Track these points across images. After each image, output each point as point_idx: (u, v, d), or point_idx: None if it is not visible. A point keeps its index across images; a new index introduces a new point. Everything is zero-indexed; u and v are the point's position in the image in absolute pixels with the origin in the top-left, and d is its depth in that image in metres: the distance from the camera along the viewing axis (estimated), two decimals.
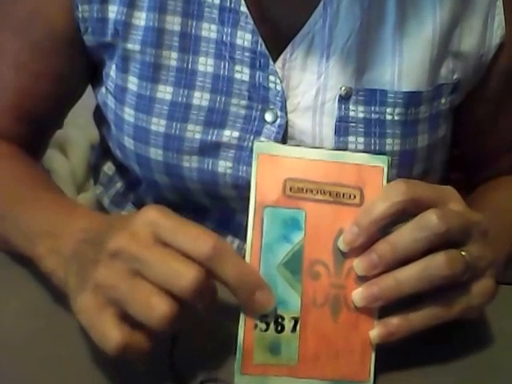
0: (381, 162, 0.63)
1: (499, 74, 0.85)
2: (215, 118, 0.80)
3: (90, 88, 0.91)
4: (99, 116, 0.91)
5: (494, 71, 0.85)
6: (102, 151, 0.98)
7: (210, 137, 0.80)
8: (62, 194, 0.79)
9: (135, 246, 0.56)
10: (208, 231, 0.58)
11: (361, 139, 0.80)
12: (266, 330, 0.60)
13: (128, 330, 0.56)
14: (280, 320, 0.60)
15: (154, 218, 0.58)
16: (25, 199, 0.75)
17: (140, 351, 0.56)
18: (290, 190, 0.62)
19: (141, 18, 0.78)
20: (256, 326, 0.60)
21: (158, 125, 0.80)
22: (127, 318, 0.56)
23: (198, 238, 0.57)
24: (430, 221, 0.60)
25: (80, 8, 0.79)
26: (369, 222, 0.60)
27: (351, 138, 0.80)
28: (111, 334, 0.55)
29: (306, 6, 0.78)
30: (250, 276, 0.59)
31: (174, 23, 0.78)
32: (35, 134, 0.89)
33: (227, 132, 0.80)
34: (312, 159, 0.63)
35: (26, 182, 0.79)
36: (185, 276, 0.55)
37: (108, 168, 0.97)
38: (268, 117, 0.79)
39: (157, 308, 0.55)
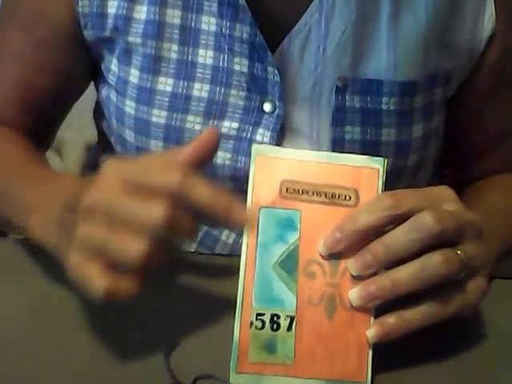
0: (377, 164, 0.61)
1: (489, 67, 0.82)
2: (215, 109, 0.77)
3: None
4: (99, 112, 0.89)
5: (484, 63, 0.82)
6: (101, 149, 0.96)
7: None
8: (50, 168, 0.80)
9: (105, 197, 0.56)
10: (173, 162, 0.57)
11: (357, 129, 0.78)
12: (262, 328, 0.58)
13: (113, 276, 0.56)
14: (276, 318, 0.58)
15: (118, 167, 0.58)
16: (19, 177, 0.76)
17: (127, 295, 0.56)
18: (287, 191, 0.60)
19: (141, 12, 0.76)
20: (251, 323, 0.58)
21: (158, 116, 0.78)
22: (113, 267, 0.56)
23: (165, 172, 0.56)
24: (424, 222, 0.57)
25: (80, 3, 0.77)
26: (351, 230, 0.58)
27: (348, 128, 0.78)
28: (98, 282, 0.55)
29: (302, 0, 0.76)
30: (222, 194, 0.56)
31: (174, 16, 0.76)
32: (40, 124, 0.87)
33: (226, 123, 0.78)
34: (308, 161, 0.60)
35: (21, 161, 0.79)
36: (153, 212, 0.54)
37: None
38: (266, 107, 0.77)
39: (132, 246, 0.54)
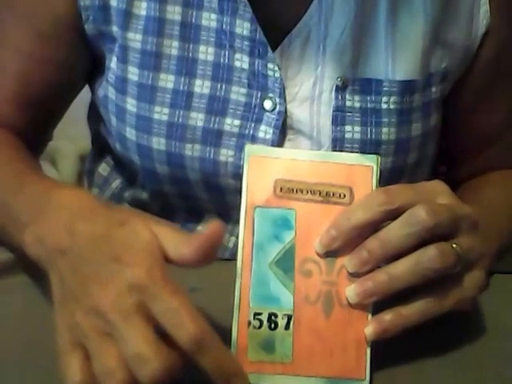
0: (370, 162, 0.60)
1: (484, 64, 0.82)
2: (216, 106, 0.77)
3: (78, 98, 0.88)
4: (95, 114, 0.87)
5: (480, 60, 0.82)
6: (96, 155, 0.94)
7: (212, 125, 0.77)
8: (43, 176, 0.73)
9: (115, 312, 0.50)
10: (196, 314, 0.50)
11: (357, 128, 0.77)
12: (260, 327, 0.57)
13: (89, 375, 0.51)
14: (273, 317, 0.57)
15: (142, 281, 0.51)
16: (13, 186, 0.70)
17: None
18: (281, 190, 0.59)
19: (141, 8, 0.76)
20: (249, 323, 0.57)
21: (160, 113, 0.77)
22: (90, 362, 0.52)
23: (184, 322, 0.50)
24: (418, 216, 0.57)
25: None
26: (346, 228, 0.58)
27: (348, 128, 0.77)
28: (73, 374, 0.52)
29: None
30: (229, 368, 0.52)
31: (174, 13, 0.75)
32: (36, 123, 0.85)
33: (228, 120, 0.77)
34: (302, 160, 0.60)
35: (13, 168, 0.74)
36: (149, 364, 0.49)
37: (103, 169, 0.93)
38: (267, 104, 0.77)
39: (111, 377, 0.50)
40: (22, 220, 0.62)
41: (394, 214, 0.58)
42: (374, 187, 0.59)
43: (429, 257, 0.57)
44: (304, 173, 0.59)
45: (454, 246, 0.58)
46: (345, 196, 0.59)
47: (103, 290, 0.51)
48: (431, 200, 0.59)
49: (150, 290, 0.50)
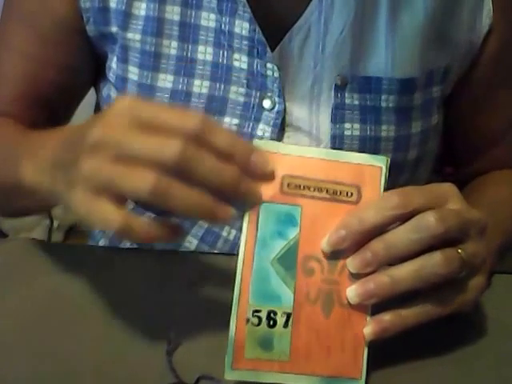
0: (379, 162, 0.58)
1: (487, 62, 0.81)
2: (215, 106, 0.75)
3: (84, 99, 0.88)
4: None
5: (482, 59, 0.80)
6: None
7: None
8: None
9: (114, 132, 0.52)
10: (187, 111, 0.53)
11: (357, 126, 0.76)
12: (258, 324, 0.55)
13: (126, 211, 0.52)
14: (272, 315, 0.55)
15: (130, 104, 0.53)
16: (12, 137, 0.74)
17: (141, 228, 0.52)
18: (288, 186, 0.57)
19: (141, 8, 0.74)
20: (248, 320, 0.55)
21: None
22: (123, 200, 0.52)
23: (184, 114, 0.52)
24: (427, 222, 0.55)
25: None
26: (358, 228, 0.56)
27: (347, 125, 0.76)
28: (111, 218, 0.51)
29: None
30: (242, 142, 0.53)
31: (173, 13, 0.74)
32: (44, 123, 0.83)
33: (227, 119, 0.76)
34: (310, 157, 0.58)
35: (18, 134, 0.76)
36: (169, 147, 0.50)
37: None
38: (266, 104, 0.75)
39: (142, 180, 0.50)
40: (19, 156, 0.65)
41: (404, 218, 0.56)
42: (381, 188, 0.58)
43: (433, 262, 0.55)
44: (312, 170, 0.57)
45: (460, 251, 0.57)
46: (352, 195, 0.57)
47: (96, 127, 0.53)
48: (442, 205, 0.57)
49: (137, 106, 0.53)
